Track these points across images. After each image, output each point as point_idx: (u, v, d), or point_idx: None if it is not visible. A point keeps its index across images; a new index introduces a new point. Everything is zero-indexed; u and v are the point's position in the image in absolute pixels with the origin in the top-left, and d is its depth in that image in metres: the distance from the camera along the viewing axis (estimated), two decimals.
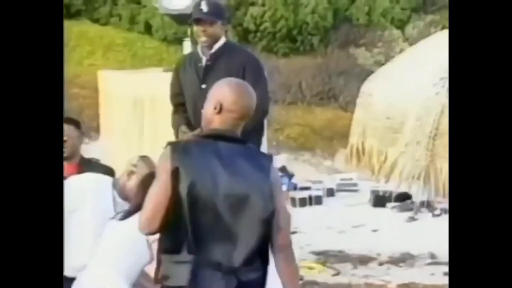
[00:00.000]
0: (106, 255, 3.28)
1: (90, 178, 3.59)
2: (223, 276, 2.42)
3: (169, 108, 4.24)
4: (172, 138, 3.94)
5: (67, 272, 3.42)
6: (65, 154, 3.88)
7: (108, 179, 3.60)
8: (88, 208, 3.42)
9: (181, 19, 5.41)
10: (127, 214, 3.35)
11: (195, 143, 2.54)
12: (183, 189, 2.42)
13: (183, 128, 3.88)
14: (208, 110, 2.56)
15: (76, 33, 24.66)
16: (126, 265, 3.28)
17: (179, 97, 4.10)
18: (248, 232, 2.46)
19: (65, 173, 3.81)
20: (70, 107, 19.91)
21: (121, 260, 3.27)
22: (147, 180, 3.40)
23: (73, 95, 21.99)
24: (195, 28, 3.91)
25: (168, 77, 4.33)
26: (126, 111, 6.51)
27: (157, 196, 2.45)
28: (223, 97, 2.53)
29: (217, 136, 2.51)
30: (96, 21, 25.19)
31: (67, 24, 25.61)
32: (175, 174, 2.41)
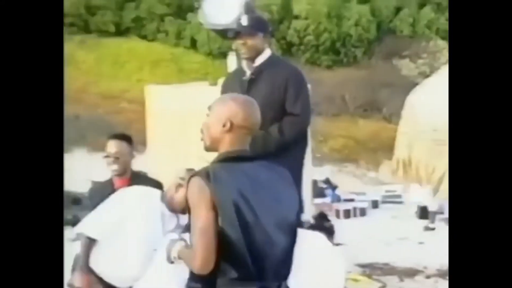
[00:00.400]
0: (165, 267, 3.36)
1: (139, 191, 3.69)
2: None
3: None
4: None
5: (120, 283, 3.53)
6: (118, 171, 3.98)
7: (156, 192, 3.70)
8: (138, 220, 3.52)
9: (225, 33, 5.51)
10: (186, 229, 3.46)
11: (220, 168, 2.44)
12: (229, 217, 2.35)
13: None
14: (215, 128, 2.49)
15: (126, 49, 25.18)
16: (185, 278, 3.36)
17: None
18: (290, 242, 2.49)
19: (116, 187, 3.92)
20: (118, 121, 20.29)
21: (180, 273, 3.35)
22: None
23: (122, 110, 22.42)
24: (237, 41, 3.99)
25: (213, 90, 4.41)
26: (172, 125, 6.64)
27: (206, 233, 2.35)
28: (232, 114, 2.48)
29: (236, 158, 2.47)
30: (144, 37, 25.70)
31: (118, 41, 26.19)
32: (214, 205, 2.35)
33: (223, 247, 2.36)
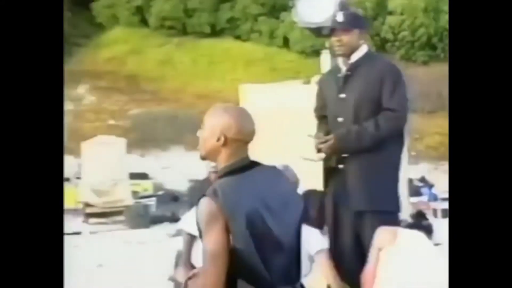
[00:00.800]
0: None
1: None
2: None
3: (307, 119, 4.34)
4: (308, 147, 4.02)
5: None
6: (216, 168, 4.05)
7: None
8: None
9: (320, 31, 5.51)
10: None
11: (226, 183, 2.40)
12: (241, 232, 2.33)
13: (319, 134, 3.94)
14: (210, 142, 2.45)
15: (220, 50, 25.65)
16: None
17: (321, 109, 4.19)
18: (297, 243, 2.48)
19: (214, 183, 4.01)
20: None
21: None
22: None
23: None
24: (332, 38, 3.97)
25: (306, 89, 4.42)
26: (266, 123, 6.70)
27: (219, 256, 2.33)
28: (225, 128, 2.42)
29: (239, 169, 2.44)
30: (238, 37, 26.07)
31: (213, 42, 26.73)
32: (226, 224, 2.30)
33: (237, 265, 2.33)
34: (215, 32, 26.49)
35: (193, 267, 3.64)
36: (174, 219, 15.46)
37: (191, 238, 3.70)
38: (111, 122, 23.46)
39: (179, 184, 18.89)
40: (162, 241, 11.71)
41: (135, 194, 16.81)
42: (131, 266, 8.65)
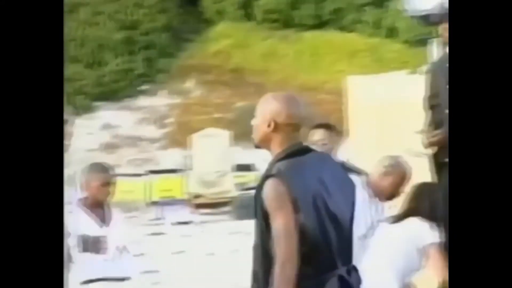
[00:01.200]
0: (380, 257, 3.43)
1: None
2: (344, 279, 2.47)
3: (414, 110, 4.27)
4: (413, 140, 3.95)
5: None
6: None
7: (358, 179, 3.76)
8: None
9: (428, 19, 5.38)
10: (397, 219, 3.52)
11: (287, 166, 2.45)
12: (308, 211, 2.39)
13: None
14: (262, 129, 2.52)
15: (324, 41, 25.55)
16: (400, 269, 3.41)
17: (431, 99, 4.11)
18: (350, 225, 2.53)
19: None
20: (317, 112, 20.65)
21: (395, 263, 3.39)
22: (401, 180, 3.54)
23: (320, 101, 22.79)
24: (441, 26, 3.88)
25: (412, 79, 4.35)
26: (372, 114, 6.65)
27: (292, 234, 2.36)
28: (275, 114, 2.49)
29: (295, 152, 2.49)
30: (342, 28, 25.84)
31: (316, 34, 26.68)
32: (294, 204, 2.38)
33: (304, 244, 2.37)
34: (319, 24, 26.36)
35: None
36: None
37: None
38: (217, 115, 23.94)
39: None
40: None
41: (240, 185, 17.08)
42: (239, 256, 8.83)
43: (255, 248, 2.52)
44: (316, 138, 4.10)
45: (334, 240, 2.44)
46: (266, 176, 2.45)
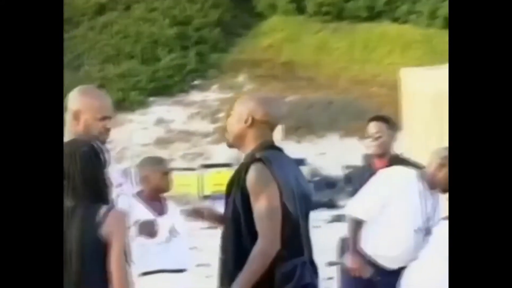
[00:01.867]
0: (438, 252, 3.39)
1: (400, 171, 3.74)
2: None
3: None
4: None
5: (389, 264, 3.62)
6: (378, 152, 4.03)
7: (413, 171, 3.71)
8: (401, 200, 3.58)
9: None
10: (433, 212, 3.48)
11: (270, 154, 2.60)
12: (289, 195, 2.55)
13: None
14: (238, 125, 2.64)
15: (377, 34, 25.27)
16: None
17: None
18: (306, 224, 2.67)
19: (376, 168, 3.98)
20: (370, 105, 20.46)
21: None
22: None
23: (373, 93, 22.56)
24: None
25: None
26: (427, 106, 6.56)
27: (277, 213, 2.51)
28: (253, 110, 2.62)
29: (274, 147, 2.66)
30: (395, 20, 25.49)
31: (369, 26, 26.41)
32: (278, 186, 2.53)
33: (284, 226, 2.52)
34: (372, 15, 26.06)
35: (361, 253, 3.66)
36: (331, 205, 15.51)
37: (358, 223, 3.71)
38: None
39: (335, 170, 18.92)
40: (321, 227, 11.80)
41: None
42: None
43: (227, 226, 2.64)
44: (371, 131, 4.05)
45: (303, 229, 2.61)
46: (250, 162, 2.57)
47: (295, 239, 2.55)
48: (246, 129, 2.62)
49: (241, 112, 2.65)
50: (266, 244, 2.47)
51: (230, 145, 2.73)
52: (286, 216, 2.52)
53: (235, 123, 2.67)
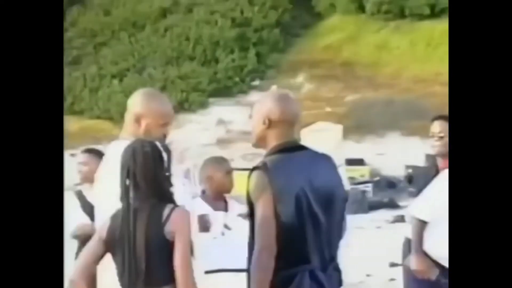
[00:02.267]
0: None
1: None
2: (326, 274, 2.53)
3: None
4: None
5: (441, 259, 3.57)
6: (442, 151, 3.95)
7: None
8: None
9: None
10: None
11: (276, 160, 2.55)
12: (287, 206, 2.47)
13: None
14: (258, 127, 2.62)
15: (439, 31, 24.81)
16: None
17: None
18: (334, 224, 2.57)
19: (440, 168, 3.91)
20: (431, 104, 20.10)
21: None
22: None
23: (433, 93, 22.14)
24: None
25: None
26: None
27: (270, 222, 2.46)
28: (269, 111, 2.60)
29: (287, 149, 2.58)
30: None
31: (431, 24, 25.97)
32: (275, 194, 2.47)
33: (281, 239, 2.45)
34: (434, 13, 25.59)
35: (426, 254, 3.61)
36: (392, 205, 15.33)
37: (422, 224, 3.66)
38: (328, 109, 23.87)
39: (396, 170, 18.68)
40: (382, 227, 11.68)
41: (352, 179, 16.98)
42: (353, 250, 8.80)
43: (249, 236, 2.60)
44: (435, 130, 4.00)
45: (311, 237, 2.52)
46: (252, 169, 2.57)
47: (292, 248, 2.50)
48: (265, 131, 2.64)
49: (259, 114, 2.66)
50: (258, 254, 2.45)
51: (255, 146, 2.74)
52: (281, 224, 2.48)
53: (255, 125, 2.68)
